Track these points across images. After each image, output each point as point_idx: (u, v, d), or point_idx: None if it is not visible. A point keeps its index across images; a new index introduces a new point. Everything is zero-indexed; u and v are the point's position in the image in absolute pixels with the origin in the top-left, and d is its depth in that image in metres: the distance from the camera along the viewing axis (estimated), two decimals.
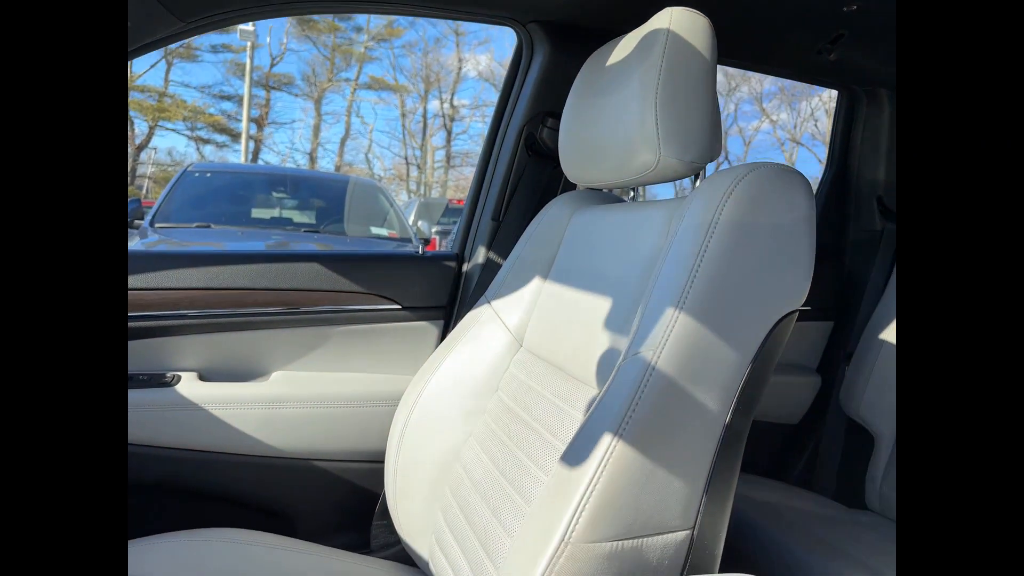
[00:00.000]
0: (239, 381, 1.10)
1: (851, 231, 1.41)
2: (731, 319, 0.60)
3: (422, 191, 17.96)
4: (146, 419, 1.02)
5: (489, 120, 1.27)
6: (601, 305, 0.76)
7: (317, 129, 17.94)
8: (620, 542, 0.56)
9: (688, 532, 0.58)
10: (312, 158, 18.01)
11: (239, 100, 16.29)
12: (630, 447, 0.56)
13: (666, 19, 0.74)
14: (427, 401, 0.92)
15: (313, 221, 3.80)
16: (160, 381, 1.05)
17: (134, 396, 1.02)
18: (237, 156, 16.37)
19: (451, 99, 18.44)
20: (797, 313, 0.64)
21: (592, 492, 0.55)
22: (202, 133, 16.49)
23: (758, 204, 0.64)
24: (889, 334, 1.13)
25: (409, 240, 3.65)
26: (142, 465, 1.02)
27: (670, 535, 0.58)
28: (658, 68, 0.72)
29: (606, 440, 0.56)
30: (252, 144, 16.50)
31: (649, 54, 0.73)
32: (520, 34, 1.16)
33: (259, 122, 17.02)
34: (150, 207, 3.49)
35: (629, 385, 0.58)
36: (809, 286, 0.65)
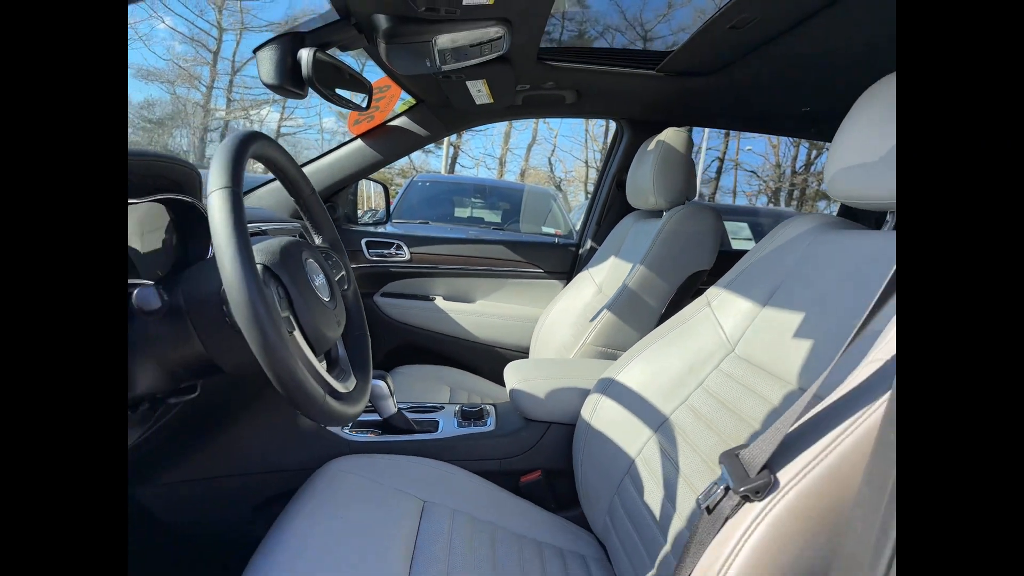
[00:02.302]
0: (461, 302, 2.16)
1: None
2: None
3: None
4: (426, 316, 2.11)
5: None
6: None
7: (508, 136, 19.71)
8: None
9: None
10: (501, 162, 19.76)
11: None
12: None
13: (665, 135, 1.61)
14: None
15: (499, 220, 4.97)
16: (426, 298, 2.15)
17: (422, 305, 2.12)
18: (439, 161, 18.67)
19: None
20: None
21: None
22: None
23: None
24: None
25: (571, 235, 4.67)
26: (420, 338, 2.12)
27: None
28: (657, 152, 1.59)
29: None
30: (452, 150, 18.79)
31: (656, 145, 1.61)
32: (617, 122, 2.07)
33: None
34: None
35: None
36: None
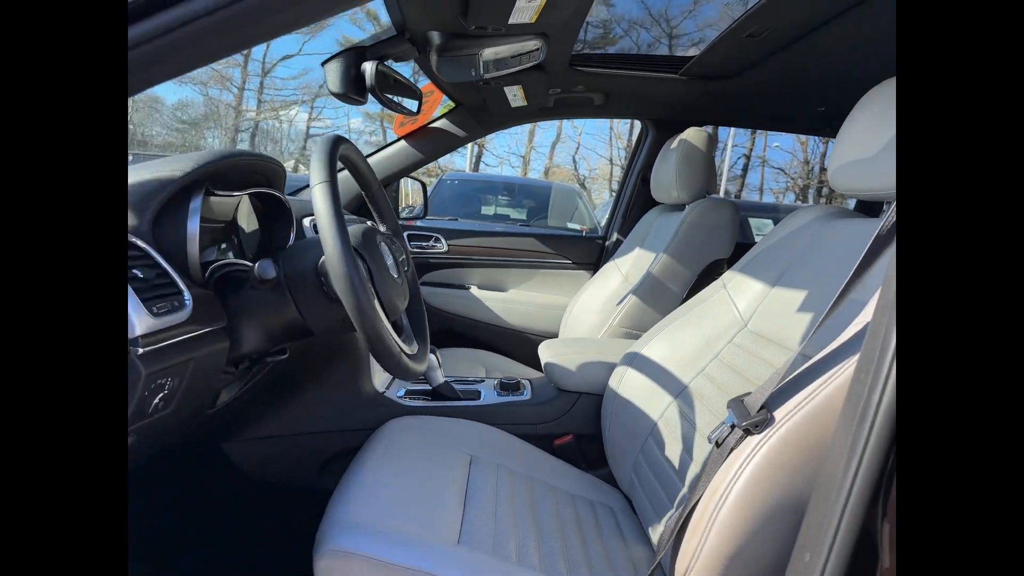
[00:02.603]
0: (494, 291, 2.31)
1: None
2: None
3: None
4: (462, 303, 2.27)
5: None
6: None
7: (532, 134, 19.80)
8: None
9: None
10: (525, 160, 19.84)
11: None
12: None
13: (687, 134, 1.73)
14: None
15: (524, 217, 5.11)
16: (463, 287, 2.30)
17: (458, 294, 2.27)
18: (464, 160, 18.84)
19: None
20: None
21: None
22: None
23: None
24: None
25: (596, 231, 4.80)
26: (457, 324, 2.28)
27: None
28: (680, 150, 1.71)
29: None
30: (476, 149, 18.96)
31: (679, 144, 1.73)
32: (642, 122, 2.20)
33: None
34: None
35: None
36: None
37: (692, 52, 1.65)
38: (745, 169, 16.88)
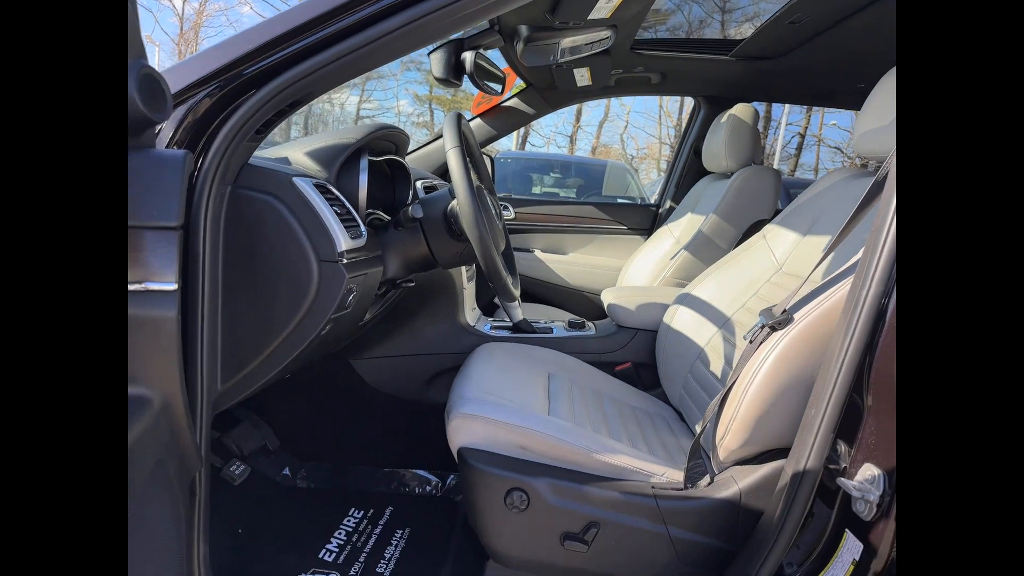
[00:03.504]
0: (556, 254, 2.58)
1: None
2: None
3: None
4: (527, 265, 2.55)
5: None
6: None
7: (579, 113, 19.72)
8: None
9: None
10: (572, 140, 19.77)
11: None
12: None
13: (736, 109, 1.94)
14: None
15: (574, 195, 5.33)
16: (527, 250, 2.58)
17: (523, 256, 2.56)
18: (509, 140, 18.96)
19: None
20: None
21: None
22: None
23: None
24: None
25: None
26: (522, 284, 2.55)
27: None
28: (729, 123, 1.93)
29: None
30: (522, 129, 19.06)
31: (728, 118, 1.95)
32: (695, 99, 2.40)
33: None
34: None
35: None
36: None
37: (745, 27, 1.84)
38: (799, 148, 16.44)
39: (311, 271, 0.91)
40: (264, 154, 1.08)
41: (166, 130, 0.73)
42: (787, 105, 13.27)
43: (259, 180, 0.90)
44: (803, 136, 16.34)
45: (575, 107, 19.34)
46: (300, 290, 0.91)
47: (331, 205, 0.97)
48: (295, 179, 0.92)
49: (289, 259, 0.90)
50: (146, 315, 0.56)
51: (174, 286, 0.58)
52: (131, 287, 0.55)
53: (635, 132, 22.90)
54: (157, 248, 0.56)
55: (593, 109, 21.12)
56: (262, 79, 0.79)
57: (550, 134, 20.30)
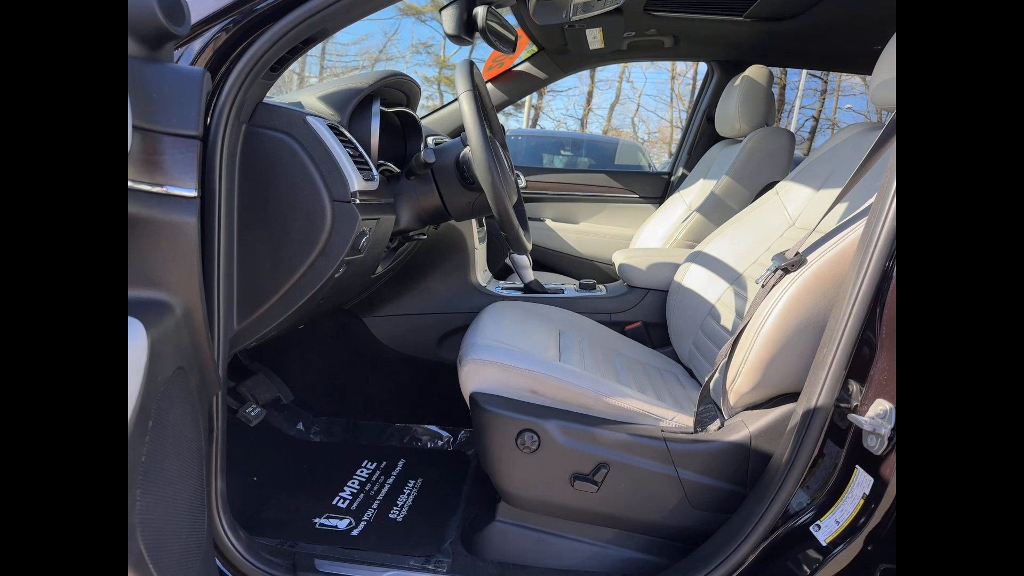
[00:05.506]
0: (566, 223, 2.57)
1: None
2: None
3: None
4: (538, 234, 2.54)
5: None
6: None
7: (590, 96, 19.53)
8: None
9: None
10: (583, 123, 19.58)
11: None
12: None
13: (750, 71, 1.92)
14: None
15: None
16: (539, 219, 2.57)
17: (534, 224, 2.55)
18: (519, 123, 18.82)
19: None
20: None
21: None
22: None
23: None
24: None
25: None
26: (533, 253, 2.56)
27: None
28: (743, 85, 1.91)
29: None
30: (532, 112, 18.93)
31: (742, 80, 1.92)
32: (708, 64, 2.37)
33: (540, 91, 19.41)
34: None
35: None
36: None
37: None
38: (813, 132, 16.21)
39: (324, 210, 0.92)
40: (278, 99, 1.09)
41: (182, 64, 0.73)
42: (800, 88, 13.05)
43: (273, 119, 0.90)
44: (817, 119, 16.11)
45: (586, 90, 19.21)
46: (314, 228, 0.92)
47: (344, 147, 0.98)
48: (309, 118, 0.92)
49: (303, 197, 0.91)
50: (167, 219, 0.58)
51: (194, 192, 0.59)
52: (152, 189, 0.56)
53: (646, 115, 22.60)
54: (177, 154, 0.57)
55: (604, 91, 20.92)
56: (275, 14, 0.79)
57: (561, 116, 20.12)
